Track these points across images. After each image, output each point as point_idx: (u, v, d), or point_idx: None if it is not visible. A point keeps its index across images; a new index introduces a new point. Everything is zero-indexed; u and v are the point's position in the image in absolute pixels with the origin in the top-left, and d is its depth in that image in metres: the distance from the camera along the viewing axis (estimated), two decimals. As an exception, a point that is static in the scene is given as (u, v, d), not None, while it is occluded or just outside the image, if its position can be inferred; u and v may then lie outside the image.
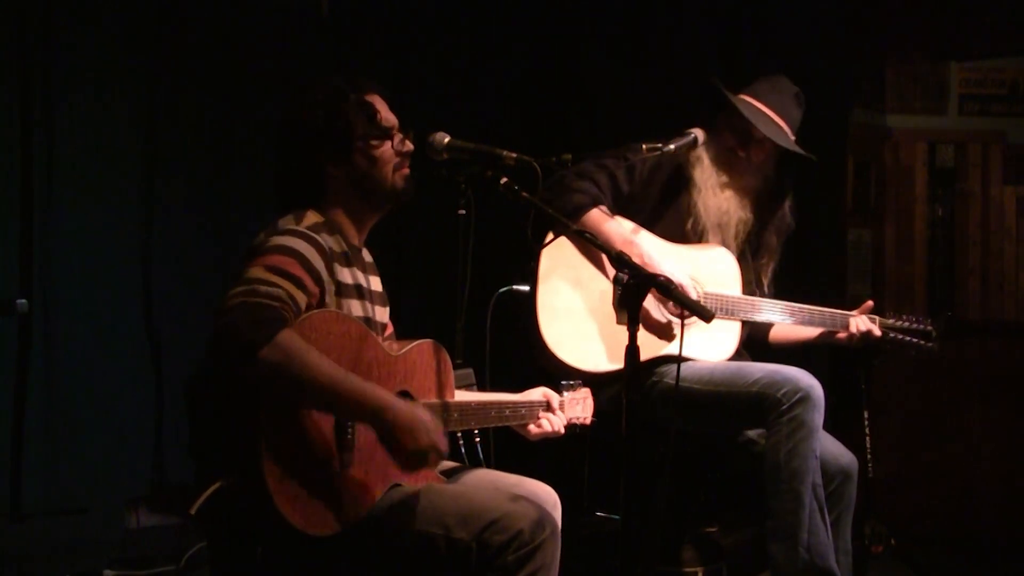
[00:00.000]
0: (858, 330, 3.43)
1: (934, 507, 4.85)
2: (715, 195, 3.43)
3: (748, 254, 3.53)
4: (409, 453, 2.18)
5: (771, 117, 3.44)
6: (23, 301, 3.48)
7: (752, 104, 3.43)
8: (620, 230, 3.31)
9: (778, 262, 3.59)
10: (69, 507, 3.93)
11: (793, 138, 3.47)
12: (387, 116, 2.47)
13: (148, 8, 4.15)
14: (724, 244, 3.45)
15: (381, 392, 2.19)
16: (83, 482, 3.97)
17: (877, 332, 3.45)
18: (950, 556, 4.54)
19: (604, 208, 3.34)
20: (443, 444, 2.22)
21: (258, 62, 4.35)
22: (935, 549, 4.54)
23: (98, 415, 4.00)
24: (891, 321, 3.51)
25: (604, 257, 3.32)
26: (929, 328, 3.50)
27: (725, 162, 3.44)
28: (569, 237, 3.25)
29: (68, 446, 3.94)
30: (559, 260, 3.32)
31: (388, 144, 2.45)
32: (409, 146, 2.48)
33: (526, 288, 3.34)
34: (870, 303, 3.50)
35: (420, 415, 2.20)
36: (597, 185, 3.36)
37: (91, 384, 4.00)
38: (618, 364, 3.08)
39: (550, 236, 3.03)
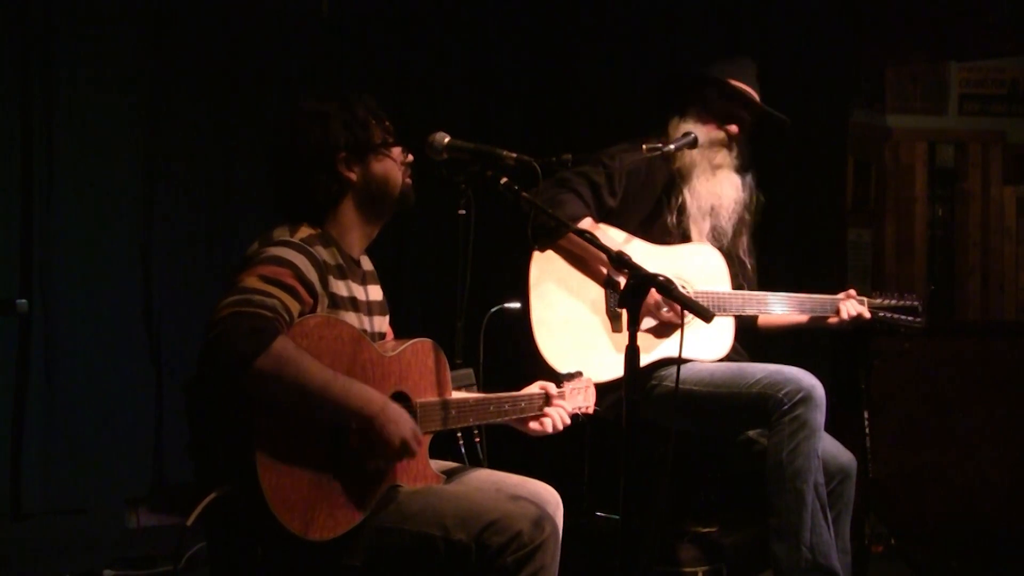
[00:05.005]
0: (848, 314, 3.46)
1: (934, 507, 4.84)
2: (707, 179, 3.46)
3: (745, 237, 3.54)
4: (392, 450, 2.23)
5: (748, 89, 3.50)
6: (23, 301, 3.48)
7: (730, 81, 3.48)
8: (606, 238, 3.30)
9: (758, 249, 3.63)
10: (69, 507, 3.93)
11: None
12: (389, 126, 2.52)
13: (148, 8, 4.15)
14: (717, 227, 3.47)
15: (369, 392, 2.22)
16: (83, 482, 3.96)
17: (867, 314, 3.49)
18: (950, 556, 4.54)
19: (590, 219, 3.34)
20: (414, 444, 2.26)
21: (258, 62, 4.35)
22: (935, 549, 4.53)
23: (98, 415, 3.99)
24: (878, 300, 3.57)
25: (594, 264, 3.34)
26: (915, 303, 3.58)
27: (710, 144, 3.46)
28: (568, 238, 3.27)
29: (68, 446, 3.93)
30: (549, 273, 3.32)
31: (399, 150, 2.50)
32: (411, 157, 2.53)
33: (517, 305, 3.34)
34: (852, 291, 3.54)
35: (402, 414, 2.25)
36: (580, 196, 3.37)
37: (91, 384, 3.99)
38: (617, 372, 3.09)
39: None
